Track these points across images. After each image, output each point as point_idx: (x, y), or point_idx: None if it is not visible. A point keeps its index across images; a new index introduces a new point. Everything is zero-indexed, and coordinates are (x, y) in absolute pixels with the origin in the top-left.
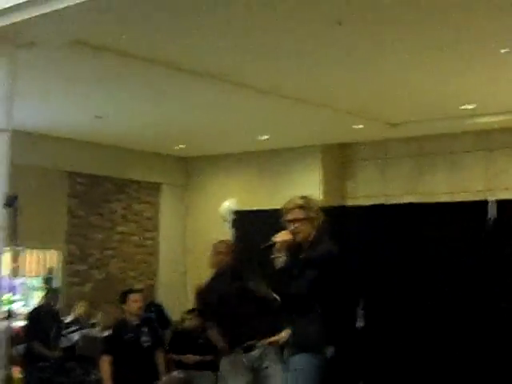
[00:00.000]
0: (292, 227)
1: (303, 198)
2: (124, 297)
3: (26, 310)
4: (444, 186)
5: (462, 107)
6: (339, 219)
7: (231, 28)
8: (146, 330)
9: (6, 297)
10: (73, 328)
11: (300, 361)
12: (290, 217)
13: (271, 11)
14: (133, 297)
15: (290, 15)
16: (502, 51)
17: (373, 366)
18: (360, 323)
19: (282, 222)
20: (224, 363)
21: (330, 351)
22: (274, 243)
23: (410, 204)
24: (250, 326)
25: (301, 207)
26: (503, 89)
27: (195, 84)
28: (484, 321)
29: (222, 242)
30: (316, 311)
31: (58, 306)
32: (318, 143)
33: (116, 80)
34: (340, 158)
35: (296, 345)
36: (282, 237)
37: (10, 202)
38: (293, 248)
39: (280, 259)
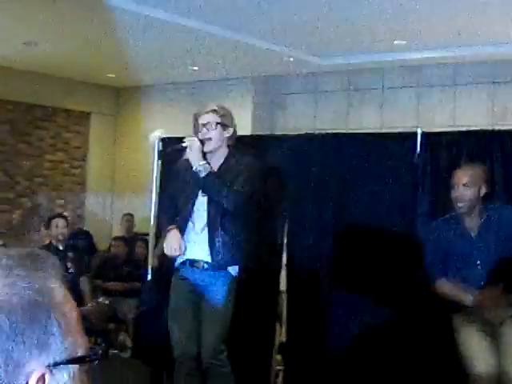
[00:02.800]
0: (204, 130)
1: (218, 104)
2: (48, 222)
3: None
4: (374, 121)
5: (395, 42)
6: (268, 147)
7: None
8: (70, 255)
9: None
10: None
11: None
12: (202, 120)
13: None
14: (55, 222)
15: None
16: None
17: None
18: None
19: (195, 128)
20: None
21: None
22: (185, 147)
23: (337, 133)
24: None
25: (214, 111)
26: (436, 25)
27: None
28: (403, 251)
29: None
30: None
31: None
32: (249, 75)
33: (45, 5)
34: (271, 91)
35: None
36: (191, 141)
37: None
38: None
39: (205, 166)
